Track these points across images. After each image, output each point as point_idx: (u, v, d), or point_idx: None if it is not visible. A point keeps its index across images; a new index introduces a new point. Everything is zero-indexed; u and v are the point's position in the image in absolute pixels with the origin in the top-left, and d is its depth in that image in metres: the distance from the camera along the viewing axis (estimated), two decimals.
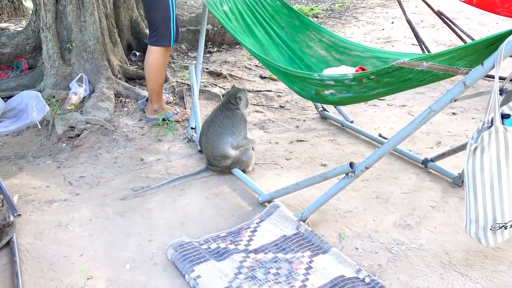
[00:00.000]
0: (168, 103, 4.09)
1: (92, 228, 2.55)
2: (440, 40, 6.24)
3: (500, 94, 1.87)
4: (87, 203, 2.78)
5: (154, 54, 3.55)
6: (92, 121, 3.64)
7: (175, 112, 3.87)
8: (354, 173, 2.30)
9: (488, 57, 1.86)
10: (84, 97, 4.09)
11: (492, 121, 1.86)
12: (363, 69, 2.76)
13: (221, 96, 3.13)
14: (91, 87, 4.18)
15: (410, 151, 3.22)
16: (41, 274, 2.20)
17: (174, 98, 4.26)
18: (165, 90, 4.30)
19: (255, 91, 4.53)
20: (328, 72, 2.89)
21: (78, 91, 4.03)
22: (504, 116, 1.90)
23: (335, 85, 2.41)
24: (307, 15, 7.34)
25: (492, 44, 1.89)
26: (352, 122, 3.73)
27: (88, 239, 2.45)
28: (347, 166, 2.29)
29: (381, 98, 4.31)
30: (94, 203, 2.78)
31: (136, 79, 4.64)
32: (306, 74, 2.63)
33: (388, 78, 2.17)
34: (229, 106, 3.05)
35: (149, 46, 3.58)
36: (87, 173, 3.14)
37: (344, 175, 2.35)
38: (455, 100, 2.02)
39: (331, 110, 3.96)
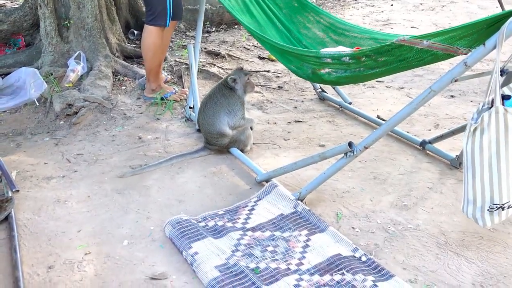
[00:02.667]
0: (165, 82, 4.07)
1: (90, 204, 2.55)
2: (439, 23, 6.21)
3: (501, 75, 1.87)
4: (85, 180, 2.78)
5: (151, 34, 3.50)
6: (90, 99, 3.61)
7: (174, 91, 3.84)
8: (353, 152, 2.29)
9: (490, 37, 1.85)
10: (82, 75, 4.06)
11: (492, 102, 1.86)
12: None
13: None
14: (89, 65, 4.15)
15: (408, 132, 3.22)
16: (39, 248, 2.20)
17: (172, 77, 4.23)
18: (163, 69, 4.27)
19: (254, 71, 4.50)
20: (326, 51, 2.86)
21: (76, 69, 4.00)
22: (504, 97, 1.89)
23: (332, 63, 2.39)
24: None
25: (493, 24, 1.87)
26: (350, 103, 3.72)
27: (86, 215, 2.45)
28: (346, 145, 2.29)
29: (379, 80, 4.30)
30: (92, 180, 2.78)
31: (134, 57, 4.60)
32: (303, 51, 2.61)
33: (386, 56, 2.15)
34: (227, 85, 3.03)
35: (145, 25, 3.53)
36: (85, 150, 3.13)
37: (342, 155, 2.35)
38: (455, 80, 2.01)
39: (329, 91, 3.94)
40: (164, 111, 3.66)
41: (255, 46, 5.20)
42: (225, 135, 2.97)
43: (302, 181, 2.72)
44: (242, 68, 3.10)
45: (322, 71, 2.51)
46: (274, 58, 4.74)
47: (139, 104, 3.76)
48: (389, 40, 2.75)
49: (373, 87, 4.21)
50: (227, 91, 3.01)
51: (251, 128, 3.12)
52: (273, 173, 2.65)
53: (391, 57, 2.13)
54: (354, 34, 3.08)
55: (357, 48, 2.83)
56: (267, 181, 2.67)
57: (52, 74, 4.02)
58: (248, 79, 3.04)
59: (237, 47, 5.15)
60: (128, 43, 4.86)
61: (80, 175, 2.84)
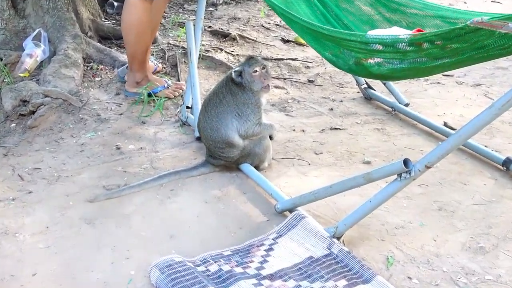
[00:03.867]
0: (155, 72, 4.08)
1: (49, 238, 2.55)
2: None
3: None
4: (43, 205, 2.79)
5: (133, 9, 3.50)
6: (53, 94, 3.64)
7: (165, 85, 3.86)
8: (410, 174, 2.27)
9: None
10: (43, 61, 4.09)
11: None
12: None
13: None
14: (52, 48, 4.18)
15: (486, 147, 3.20)
16: None
17: (164, 66, 4.25)
18: (152, 54, 4.29)
19: (275, 59, 4.52)
20: (375, 33, 2.86)
21: (34, 53, 4.03)
22: None
23: (383, 51, 2.38)
24: None
25: None
26: (407, 105, 3.71)
27: (44, 253, 2.46)
28: (401, 164, 2.26)
29: (447, 74, 4.28)
30: (53, 205, 2.78)
31: (114, 38, 4.64)
32: (344, 34, 2.60)
33: (458, 43, 2.13)
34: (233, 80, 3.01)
35: None
36: (44, 164, 3.15)
37: (395, 176, 2.33)
38: None
39: (378, 88, 3.93)
40: (152, 112, 3.67)
41: (277, 25, 5.22)
42: (234, 146, 2.96)
43: (339, 212, 2.71)
44: (252, 57, 3.06)
45: (370, 61, 2.50)
46: (303, 41, 4.74)
47: (118, 102, 3.78)
48: (461, 20, 2.75)
49: (438, 83, 4.20)
50: (235, 87, 2.99)
51: (271, 138, 3.12)
52: (299, 199, 2.64)
53: (464, 44, 2.11)
54: (414, 10, 3.07)
55: (418, 30, 2.82)
56: (291, 210, 2.66)
57: (1, 60, 4.06)
58: (255, 71, 2.96)
59: (253, 26, 5.17)
60: (106, 18, 4.91)
61: (36, 198, 2.84)
